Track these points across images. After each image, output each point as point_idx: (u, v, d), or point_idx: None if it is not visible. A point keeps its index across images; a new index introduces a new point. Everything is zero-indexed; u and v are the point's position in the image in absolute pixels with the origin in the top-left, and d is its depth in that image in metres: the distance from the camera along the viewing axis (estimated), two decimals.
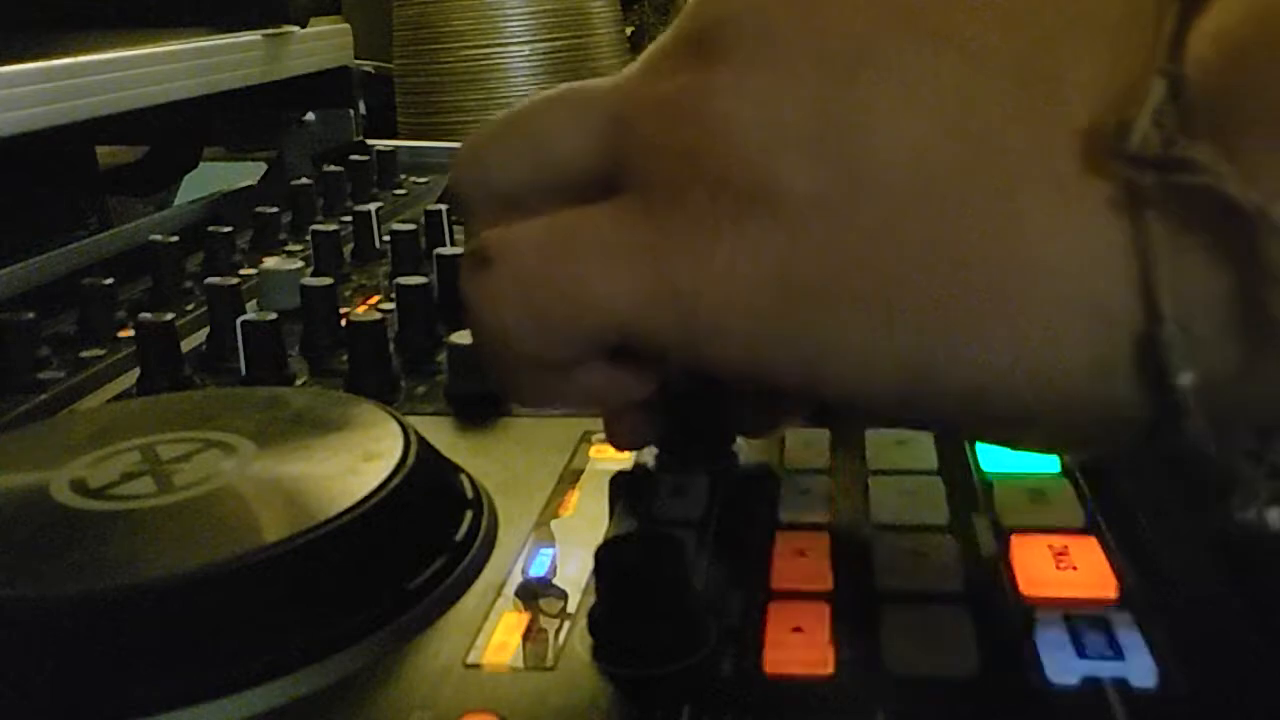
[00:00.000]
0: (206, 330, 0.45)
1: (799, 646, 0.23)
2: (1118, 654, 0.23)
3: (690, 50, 0.23)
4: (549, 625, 0.25)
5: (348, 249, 0.58)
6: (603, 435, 0.34)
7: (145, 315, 0.41)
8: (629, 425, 0.29)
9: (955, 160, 0.19)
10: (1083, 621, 0.24)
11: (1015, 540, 0.27)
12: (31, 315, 0.44)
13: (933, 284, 0.20)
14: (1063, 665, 0.23)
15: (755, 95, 0.21)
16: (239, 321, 0.41)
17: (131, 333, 0.45)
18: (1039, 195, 0.19)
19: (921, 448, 0.32)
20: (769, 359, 0.22)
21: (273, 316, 0.41)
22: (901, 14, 0.20)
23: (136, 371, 0.42)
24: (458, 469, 0.31)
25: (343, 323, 0.43)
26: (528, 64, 1.38)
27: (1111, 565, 0.26)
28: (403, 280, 0.44)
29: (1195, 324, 0.18)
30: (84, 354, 0.45)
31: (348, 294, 0.52)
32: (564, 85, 0.26)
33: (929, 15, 0.20)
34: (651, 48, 0.25)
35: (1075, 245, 0.18)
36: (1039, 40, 0.19)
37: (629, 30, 1.65)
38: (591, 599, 0.25)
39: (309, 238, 0.57)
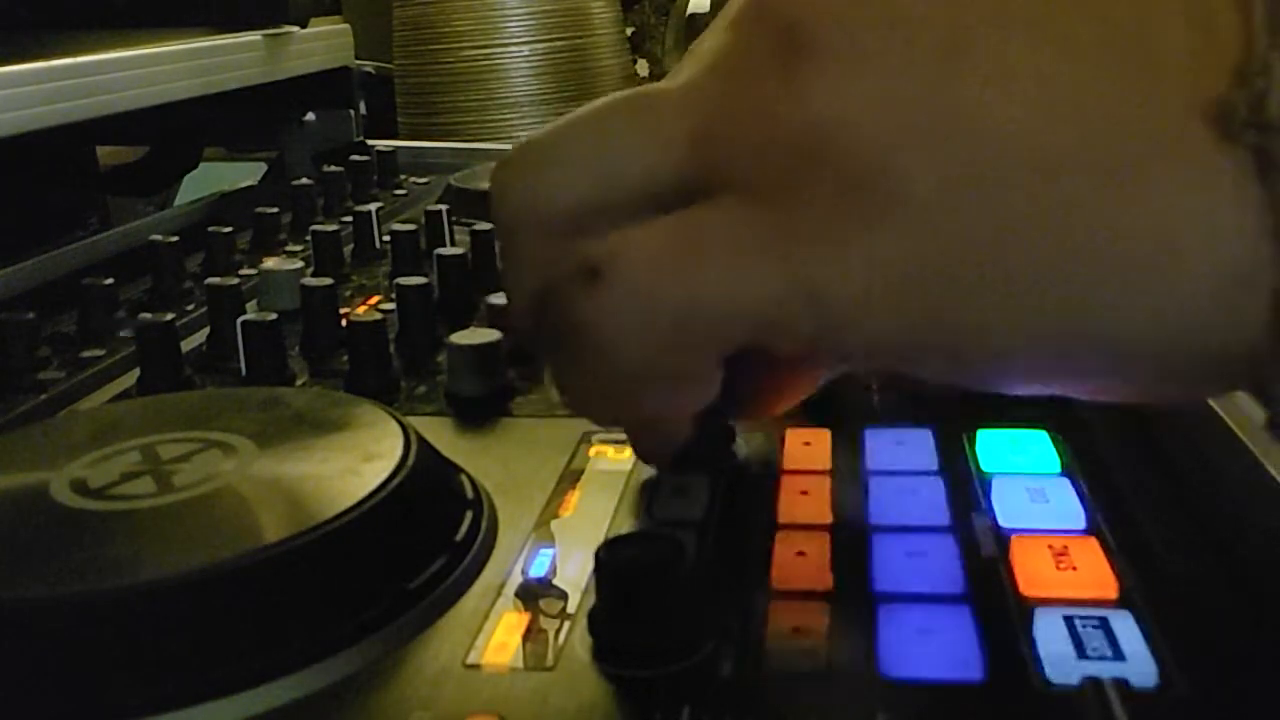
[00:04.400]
0: (206, 330, 0.45)
1: (799, 646, 0.23)
2: (1118, 654, 0.23)
3: (770, 54, 0.23)
4: (549, 625, 0.25)
5: (348, 249, 0.58)
6: (604, 435, 0.34)
7: (145, 315, 0.42)
8: (665, 433, 0.28)
9: (1074, 142, 0.20)
10: (1082, 622, 0.24)
11: (1015, 540, 0.27)
12: (31, 315, 0.44)
13: (1070, 263, 0.20)
14: (1063, 665, 0.23)
15: (859, 95, 0.21)
16: (239, 321, 0.41)
17: (131, 333, 0.45)
18: (1167, 169, 0.20)
19: (921, 448, 0.32)
20: (908, 349, 0.22)
21: (273, 316, 0.41)
22: (979, 5, 0.21)
23: (136, 371, 0.42)
24: (458, 469, 0.31)
25: (343, 323, 0.43)
26: (528, 64, 1.38)
27: (1111, 565, 0.26)
28: (403, 280, 0.44)
29: None
30: (84, 354, 0.45)
31: (348, 294, 0.52)
32: (611, 98, 0.25)
33: (1008, 5, 0.21)
34: (708, 54, 0.24)
35: (1210, 212, 0.20)
36: (1122, 22, 0.20)
37: (629, 31, 1.65)
38: (591, 599, 0.25)
39: (309, 238, 0.57)
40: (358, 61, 0.88)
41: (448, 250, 0.49)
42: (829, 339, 0.22)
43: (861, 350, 0.23)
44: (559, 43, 1.40)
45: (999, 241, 0.21)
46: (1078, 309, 0.21)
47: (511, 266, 0.27)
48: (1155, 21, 0.20)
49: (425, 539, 0.27)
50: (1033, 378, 0.23)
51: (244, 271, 0.55)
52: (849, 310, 0.22)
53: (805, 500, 0.29)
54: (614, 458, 0.33)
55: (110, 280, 0.49)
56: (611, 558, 0.24)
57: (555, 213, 0.25)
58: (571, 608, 0.25)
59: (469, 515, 0.29)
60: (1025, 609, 0.24)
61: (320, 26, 0.82)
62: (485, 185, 0.72)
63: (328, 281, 0.45)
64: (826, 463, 0.32)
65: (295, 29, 0.77)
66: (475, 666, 0.24)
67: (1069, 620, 0.24)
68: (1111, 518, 0.28)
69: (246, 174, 0.90)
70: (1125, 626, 0.24)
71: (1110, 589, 0.25)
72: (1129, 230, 0.20)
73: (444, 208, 0.58)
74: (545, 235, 0.25)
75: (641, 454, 0.30)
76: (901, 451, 0.32)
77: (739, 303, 0.22)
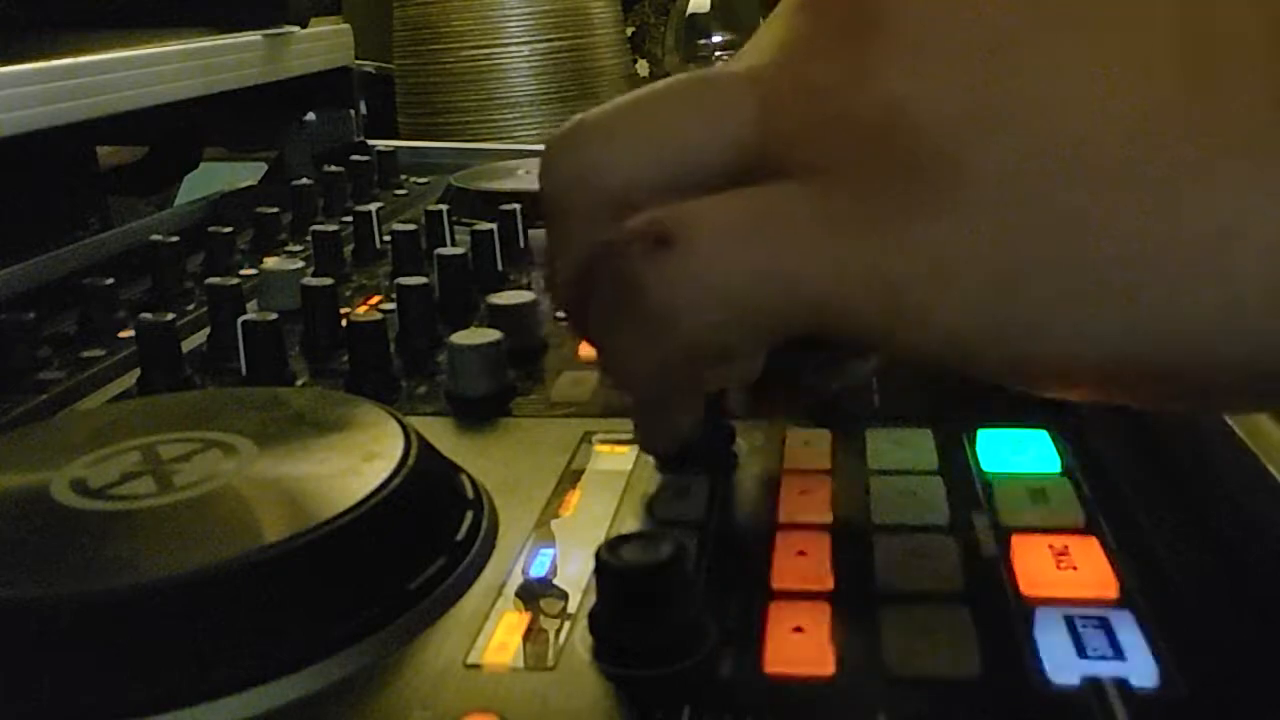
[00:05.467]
0: (206, 330, 0.45)
1: (799, 646, 0.24)
2: (1118, 654, 0.23)
3: (838, 34, 0.23)
4: (549, 625, 0.25)
5: (348, 249, 0.58)
6: (604, 435, 0.34)
7: (145, 315, 0.41)
8: (678, 421, 0.27)
9: (1144, 133, 0.20)
10: (1083, 621, 0.24)
11: (1015, 540, 0.27)
12: (31, 315, 0.44)
13: (1142, 255, 0.20)
14: (1063, 665, 0.23)
15: (929, 78, 0.21)
16: (239, 321, 0.41)
17: (131, 333, 0.45)
18: (1235, 167, 0.19)
19: (921, 448, 0.32)
20: (976, 343, 0.22)
21: (273, 316, 0.41)
22: None
23: (136, 371, 0.42)
24: (458, 469, 0.31)
25: (343, 323, 0.43)
26: (528, 64, 1.38)
27: (1111, 565, 0.26)
28: (403, 280, 0.44)
29: None
30: (84, 354, 0.45)
31: (348, 294, 0.52)
32: (672, 79, 0.25)
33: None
34: (774, 37, 0.24)
35: (1271, 211, 0.19)
36: (1194, 14, 0.20)
37: (629, 30, 1.65)
38: (591, 599, 0.25)
39: (309, 238, 0.57)
40: (358, 61, 0.88)
41: (448, 250, 0.49)
42: (893, 330, 0.22)
43: (921, 342, 0.22)
44: (559, 43, 1.39)
45: (1061, 235, 0.20)
46: (1149, 298, 0.20)
47: (559, 239, 0.26)
48: (1224, 12, 0.20)
49: (425, 539, 0.27)
50: (1097, 377, 0.22)
51: (244, 271, 0.55)
52: (921, 301, 0.21)
53: (805, 500, 0.29)
54: (614, 458, 0.33)
55: (110, 280, 0.49)
56: (612, 558, 0.24)
57: (611, 187, 0.25)
58: (572, 608, 0.25)
59: (469, 515, 0.29)
60: (1025, 609, 0.24)
61: (320, 26, 0.82)
62: (486, 185, 0.73)
63: (328, 281, 0.45)
64: (826, 463, 0.32)
65: (295, 29, 0.77)
66: (475, 666, 0.24)
67: (1069, 620, 0.24)
68: (1111, 518, 0.28)
69: (246, 174, 0.90)
70: (1125, 626, 0.24)
71: (1110, 589, 0.25)
72: (1202, 220, 0.19)
73: (444, 208, 0.58)
74: (599, 209, 0.25)
75: (646, 443, 0.30)
76: (901, 451, 0.32)
77: (808, 284, 0.22)
